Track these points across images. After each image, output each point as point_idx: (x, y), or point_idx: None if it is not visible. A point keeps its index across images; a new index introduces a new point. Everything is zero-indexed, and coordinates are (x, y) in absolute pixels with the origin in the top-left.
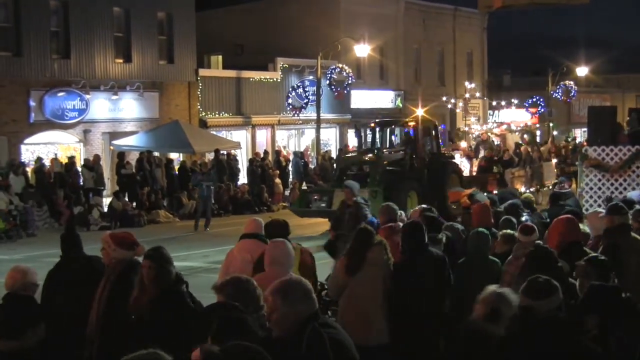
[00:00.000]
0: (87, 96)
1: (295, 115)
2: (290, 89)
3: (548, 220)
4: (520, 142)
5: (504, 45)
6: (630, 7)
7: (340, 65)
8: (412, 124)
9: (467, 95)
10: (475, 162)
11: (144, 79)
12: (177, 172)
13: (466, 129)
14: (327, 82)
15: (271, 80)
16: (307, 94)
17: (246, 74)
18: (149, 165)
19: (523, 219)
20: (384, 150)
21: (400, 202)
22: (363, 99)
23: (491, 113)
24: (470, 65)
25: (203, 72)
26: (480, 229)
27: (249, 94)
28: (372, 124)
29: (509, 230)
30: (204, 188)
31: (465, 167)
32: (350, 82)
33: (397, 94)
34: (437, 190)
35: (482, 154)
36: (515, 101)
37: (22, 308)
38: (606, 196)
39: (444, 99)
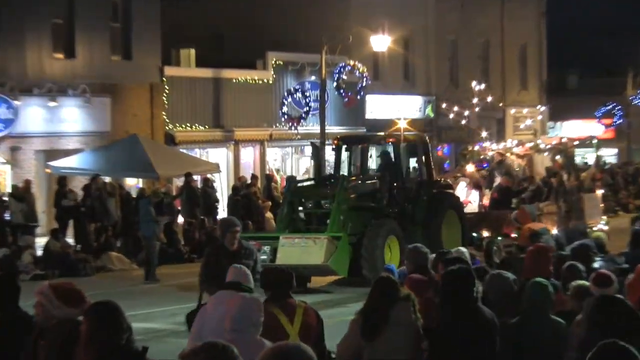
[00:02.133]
0: (16, 102)
1: (293, 128)
2: (286, 94)
3: (627, 266)
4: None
5: (568, 36)
6: None
7: (351, 63)
8: (391, 140)
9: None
10: (488, 194)
11: (91, 79)
12: (135, 203)
13: (477, 147)
14: (335, 84)
15: (260, 81)
16: (307, 101)
17: (227, 73)
18: (98, 194)
19: (595, 265)
20: (353, 178)
21: (374, 251)
22: (382, 106)
23: (552, 125)
24: (524, 63)
25: (170, 70)
26: (539, 279)
27: (231, 100)
28: (336, 141)
29: (583, 282)
30: (149, 224)
31: (474, 200)
32: (364, 84)
33: (427, 100)
34: (428, 234)
35: (497, 181)
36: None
37: None
38: None
39: (489, 100)
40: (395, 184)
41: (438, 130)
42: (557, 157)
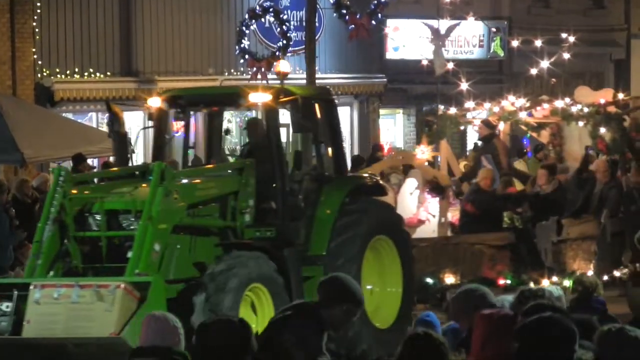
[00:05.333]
0: None
1: (259, 77)
2: (247, 17)
3: None
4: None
5: None
6: None
7: None
8: (259, 100)
9: None
10: (456, 206)
11: None
12: None
13: (450, 110)
14: (333, 1)
15: None
16: (285, 29)
17: None
18: None
19: None
20: (189, 169)
21: (217, 313)
22: (415, 40)
23: None
24: None
25: None
26: None
27: (150, 28)
28: (161, 101)
29: None
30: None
31: (431, 216)
32: (384, 0)
33: (495, 27)
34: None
35: (482, 179)
36: None
37: None
38: None
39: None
40: (270, 182)
41: (512, 79)
42: (602, 131)
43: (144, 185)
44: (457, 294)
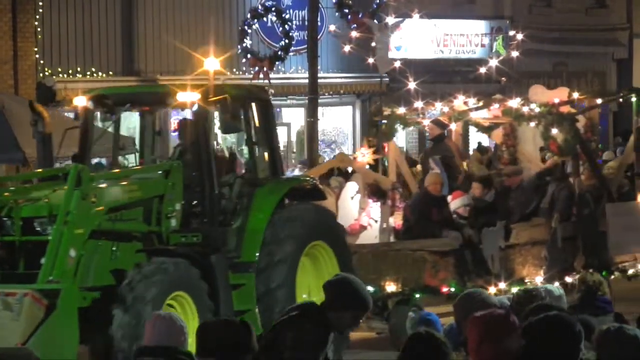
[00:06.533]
0: None
1: (261, 76)
2: (249, 16)
3: None
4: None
5: None
6: None
7: None
8: (188, 99)
9: None
10: (399, 215)
11: None
12: None
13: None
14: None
15: None
16: (287, 28)
17: None
18: None
19: None
20: (117, 170)
21: (136, 325)
22: (419, 38)
23: None
24: None
25: None
26: None
27: (152, 28)
28: (87, 100)
29: None
30: None
31: (372, 221)
32: None
33: (495, 27)
34: (268, 292)
35: (431, 184)
36: None
37: None
38: None
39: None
40: (198, 186)
41: (516, 79)
42: (554, 132)
43: (65, 187)
44: (458, 300)
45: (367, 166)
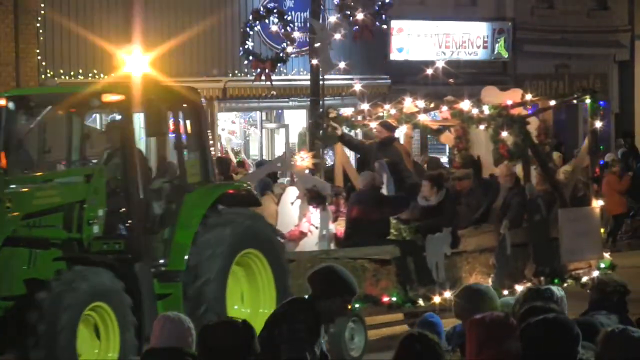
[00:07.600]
0: None
1: (263, 78)
2: (251, 18)
3: None
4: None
5: None
6: None
7: None
8: (111, 99)
9: None
10: (342, 222)
11: None
12: None
13: (345, 110)
14: (337, 0)
15: None
16: (289, 30)
17: None
18: None
19: None
20: (37, 174)
21: (55, 337)
22: (420, 40)
23: None
24: None
25: None
26: None
27: (154, 29)
28: (6, 101)
29: None
30: None
31: (312, 227)
32: (389, 0)
33: (498, 28)
34: (198, 302)
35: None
36: None
37: None
38: None
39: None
40: (122, 191)
41: (517, 80)
42: (504, 134)
43: None
44: (458, 294)
45: (307, 170)
